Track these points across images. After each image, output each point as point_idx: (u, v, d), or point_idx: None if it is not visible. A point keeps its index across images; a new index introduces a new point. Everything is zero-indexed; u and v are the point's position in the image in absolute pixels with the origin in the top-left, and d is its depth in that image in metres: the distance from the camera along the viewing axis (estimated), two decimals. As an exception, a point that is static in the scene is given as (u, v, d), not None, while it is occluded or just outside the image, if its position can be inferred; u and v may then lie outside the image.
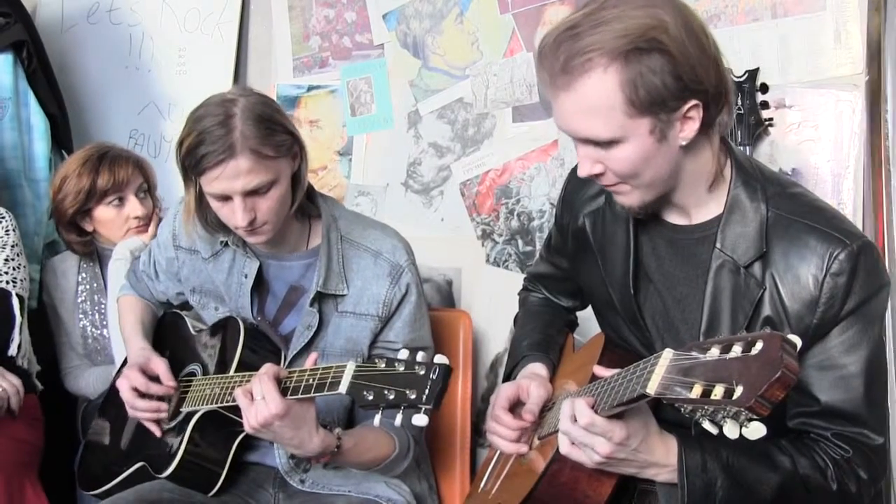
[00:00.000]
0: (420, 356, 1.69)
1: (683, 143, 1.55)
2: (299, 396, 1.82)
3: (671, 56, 1.47)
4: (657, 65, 1.46)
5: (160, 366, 2.14)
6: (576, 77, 1.49)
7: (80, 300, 2.77)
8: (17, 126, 2.98)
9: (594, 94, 1.48)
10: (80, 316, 2.77)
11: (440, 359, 1.68)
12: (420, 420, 1.65)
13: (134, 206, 2.69)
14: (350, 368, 1.72)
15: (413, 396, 1.65)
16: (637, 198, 1.62)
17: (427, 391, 1.64)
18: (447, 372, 1.66)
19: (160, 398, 2.13)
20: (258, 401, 1.82)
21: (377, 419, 1.72)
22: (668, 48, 1.46)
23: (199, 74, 3.22)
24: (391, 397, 1.66)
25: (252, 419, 1.82)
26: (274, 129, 1.95)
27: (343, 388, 1.71)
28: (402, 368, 1.68)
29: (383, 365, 1.69)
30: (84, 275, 2.78)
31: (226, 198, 1.95)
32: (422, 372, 1.66)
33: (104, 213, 2.69)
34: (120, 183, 2.66)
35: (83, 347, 2.76)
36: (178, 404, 2.14)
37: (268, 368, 1.86)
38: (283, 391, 1.84)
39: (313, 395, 1.79)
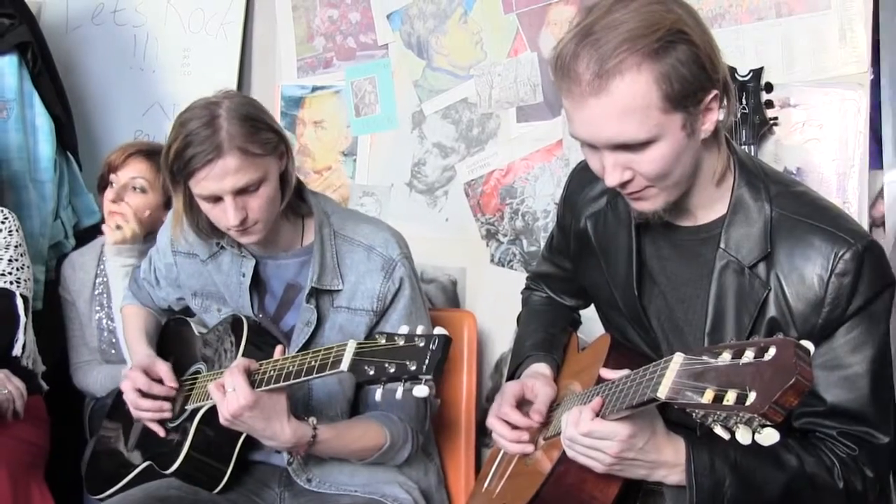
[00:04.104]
0: (420, 329, 1.71)
1: (705, 135, 1.55)
2: (271, 387, 1.85)
3: (695, 45, 1.47)
4: (684, 56, 1.46)
5: (163, 368, 2.17)
6: (608, 80, 1.45)
7: (97, 293, 2.80)
8: (21, 127, 2.98)
9: (630, 94, 1.45)
10: (97, 308, 2.79)
11: (439, 330, 1.69)
12: (420, 391, 1.66)
13: (109, 192, 2.71)
14: (351, 346, 1.74)
15: (413, 368, 1.66)
16: (662, 200, 1.60)
17: (427, 361, 1.65)
18: (447, 342, 1.67)
19: (165, 398, 2.15)
20: (229, 392, 1.87)
21: (378, 394, 1.73)
22: (691, 38, 1.47)
23: (203, 75, 3.22)
24: (392, 370, 1.68)
25: (224, 410, 1.88)
26: (259, 128, 1.97)
27: (345, 365, 1.73)
28: (402, 342, 1.69)
29: (384, 340, 1.71)
30: (102, 267, 2.79)
31: (216, 199, 1.96)
32: (422, 344, 1.67)
33: (105, 193, 2.74)
34: (111, 165, 2.72)
35: (98, 340, 2.78)
36: (184, 402, 2.15)
37: (239, 362, 1.91)
38: (258, 383, 1.87)
39: (307, 378, 1.82)
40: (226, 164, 1.91)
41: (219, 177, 1.92)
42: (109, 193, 2.71)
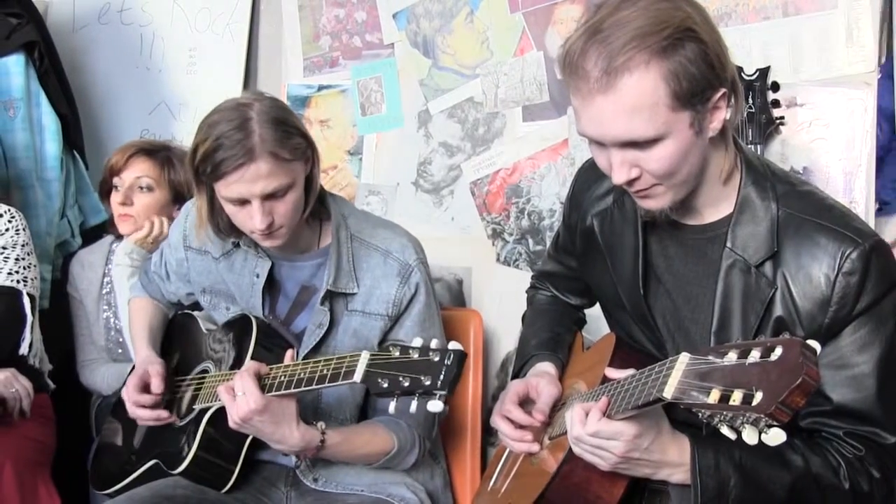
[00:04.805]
0: (434, 343, 1.70)
1: (712, 134, 1.55)
2: (281, 392, 1.85)
3: (704, 43, 1.47)
4: (693, 54, 1.46)
5: (155, 373, 2.15)
6: (617, 77, 1.45)
7: (104, 291, 2.80)
8: (28, 127, 2.99)
9: (638, 91, 1.45)
10: (104, 307, 2.80)
11: (454, 345, 1.69)
12: (435, 406, 1.66)
13: (117, 194, 2.73)
14: (364, 357, 1.73)
15: (428, 383, 1.65)
16: (669, 199, 1.59)
17: (442, 377, 1.65)
18: (462, 358, 1.67)
19: (166, 405, 2.15)
20: (239, 396, 1.86)
21: (392, 406, 1.73)
22: (700, 36, 1.46)
23: (209, 75, 3.23)
24: (406, 384, 1.67)
25: (234, 414, 1.88)
26: (290, 133, 1.96)
27: (358, 376, 1.72)
28: (416, 356, 1.69)
29: (398, 353, 1.70)
30: (110, 266, 2.80)
31: (243, 202, 1.95)
32: (436, 358, 1.67)
33: (112, 196, 2.76)
34: (113, 167, 2.73)
35: (105, 339, 2.79)
36: (192, 401, 2.15)
37: (249, 365, 1.91)
38: (269, 388, 1.87)
39: (318, 386, 1.81)
40: (258, 168, 1.90)
41: (250, 181, 1.91)
42: (117, 196, 2.73)
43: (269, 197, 1.94)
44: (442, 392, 1.65)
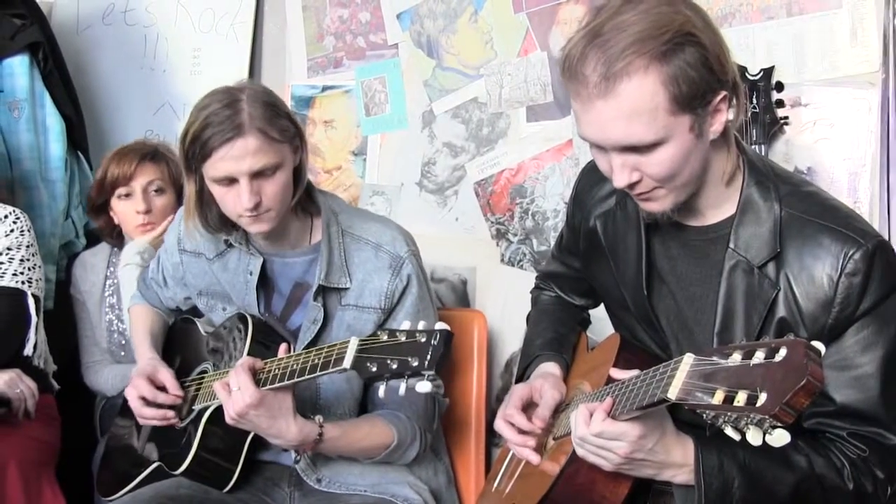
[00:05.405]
0: (421, 325, 1.71)
1: (713, 136, 1.55)
2: (276, 385, 1.86)
3: (703, 47, 1.47)
4: (692, 58, 1.46)
5: (166, 376, 2.16)
6: (616, 82, 1.45)
7: (107, 294, 2.81)
8: (32, 127, 2.99)
9: (637, 96, 1.46)
10: (107, 310, 2.80)
11: (441, 325, 1.70)
12: (423, 387, 1.67)
13: (136, 201, 2.71)
14: (353, 343, 1.74)
15: (416, 363, 1.66)
16: (671, 201, 1.60)
17: (429, 357, 1.66)
18: (448, 337, 1.68)
19: (170, 406, 2.15)
20: (234, 391, 1.87)
21: (381, 390, 1.74)
22: (700, 40, 1.47)
23: (213, 75, 3.21)
24: (394, 366, 1.68)
25: (230, 409, 1.88)
26: (279, 114, 1.99)
27: (347, 362, 1.73)
28: (403, 338, 1.70)
29: (385, 337, 1.71)
30: (112, 269, 2.80)
31: (231, 181, 1.96)
32: (423, 339, 1.68)
33: (116, 206, 2.75)
34: (121, 177, 2.71)
35: (108, 342, 2.79)
36: (192, 402, 2.15)
37: (244, 360, 1.91)
38: (264, 382, 1.87)
39: (311, 376, 1.82)
40: (246, 143, 1.92)
41: (237, 157, 1.92)
42: (132, 205, 2.71)
43: (256, 175, 1.94)
44: (429, 372, 1.66)
